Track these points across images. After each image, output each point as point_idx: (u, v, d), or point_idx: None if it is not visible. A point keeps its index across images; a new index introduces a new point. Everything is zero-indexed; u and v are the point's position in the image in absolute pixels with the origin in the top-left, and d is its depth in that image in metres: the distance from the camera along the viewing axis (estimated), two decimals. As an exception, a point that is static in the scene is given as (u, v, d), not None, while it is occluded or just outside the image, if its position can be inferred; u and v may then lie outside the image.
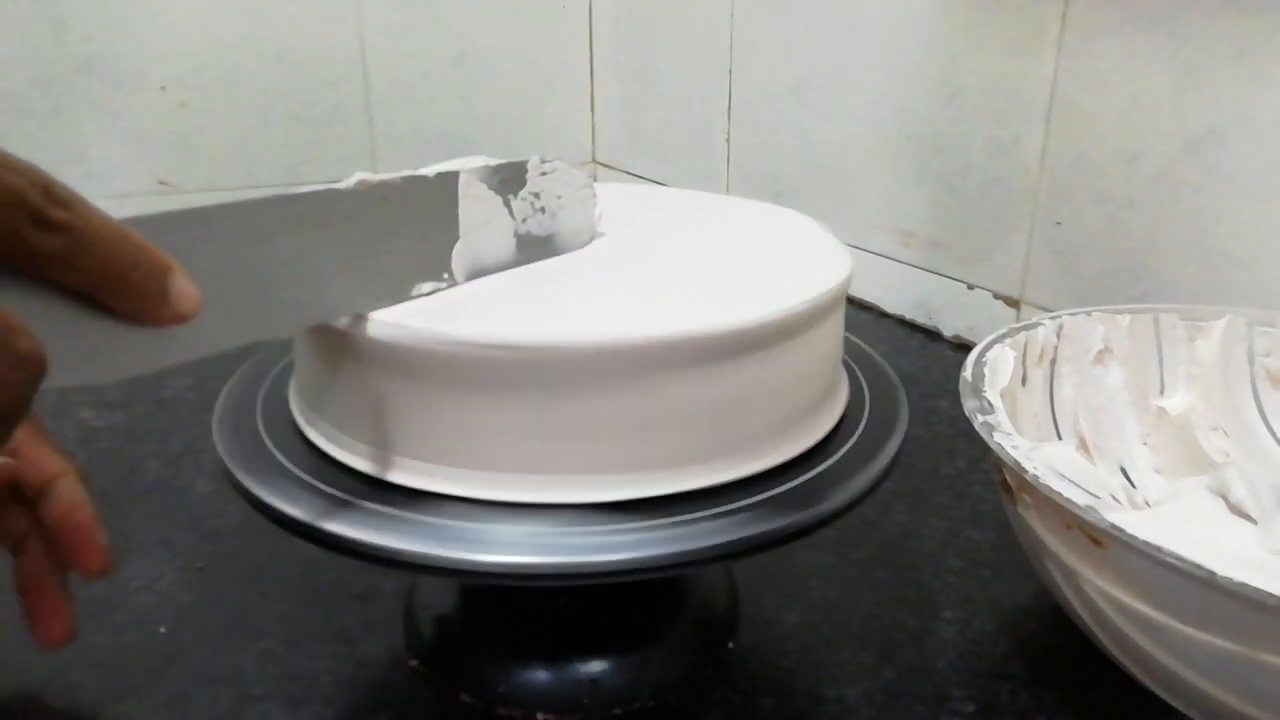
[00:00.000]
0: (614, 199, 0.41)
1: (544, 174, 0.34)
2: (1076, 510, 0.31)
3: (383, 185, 0.29)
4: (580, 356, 0.28)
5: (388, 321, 0.29)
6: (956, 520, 0.48)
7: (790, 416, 0.32)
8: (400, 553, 0.28)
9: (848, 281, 0.34)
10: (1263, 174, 0.52)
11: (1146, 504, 0.42)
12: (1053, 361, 0.45)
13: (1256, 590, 0.27)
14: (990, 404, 0.37)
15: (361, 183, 0.29)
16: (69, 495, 0.32)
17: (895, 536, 0.46)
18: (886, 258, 0.75)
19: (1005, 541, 0.45)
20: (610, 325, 0.29)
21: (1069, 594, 0.35)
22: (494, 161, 0.33)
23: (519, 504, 0.30)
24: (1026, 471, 0.33)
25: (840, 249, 0.36)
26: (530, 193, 0.34)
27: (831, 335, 0.35)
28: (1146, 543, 0.29)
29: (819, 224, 0.40)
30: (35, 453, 0.32)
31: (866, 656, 0.39)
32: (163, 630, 0.40)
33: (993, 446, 0.35)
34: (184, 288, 0.24)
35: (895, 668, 0.38)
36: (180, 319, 0.24)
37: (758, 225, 0.40)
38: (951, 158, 0.68)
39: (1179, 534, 0.29)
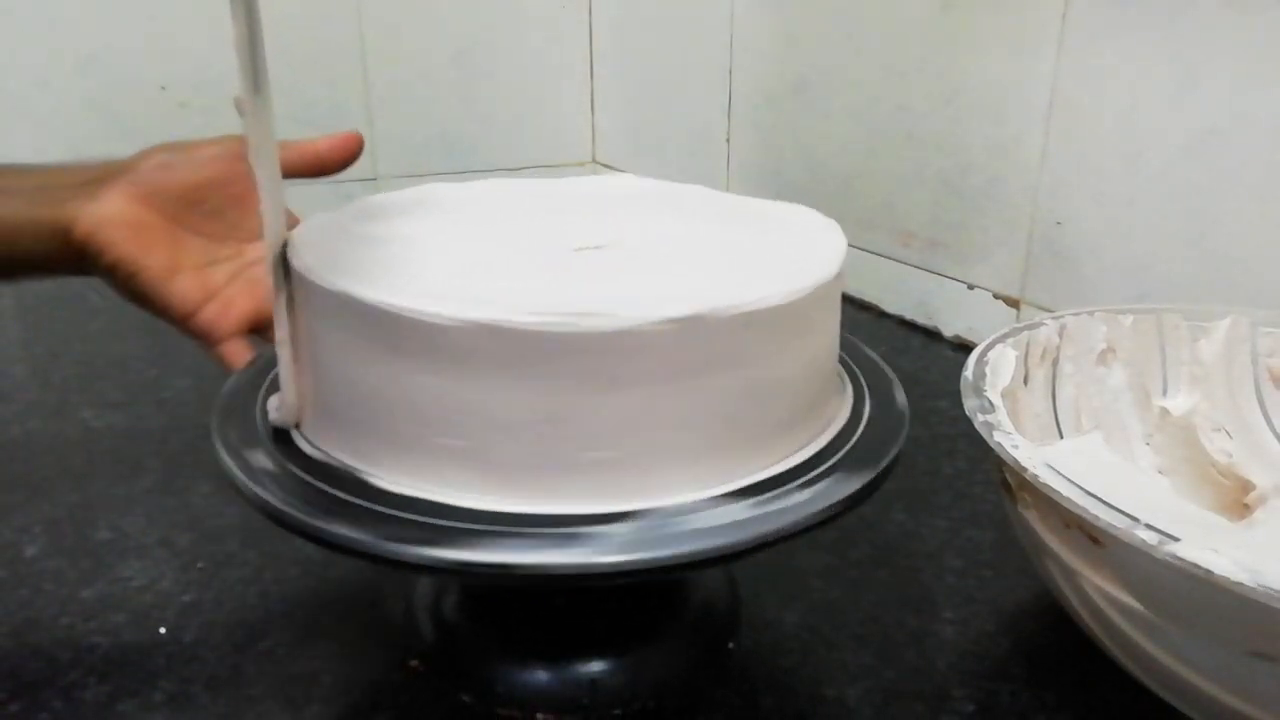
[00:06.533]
0: (617, 191, 0.41)
1: None
2: (1075, 509, 0.31)
3: None
4: (573, 345, 0.28)
5: (385, 303, 0.29)
6: (957, 520, 0.48)
7: (790, 416, 0.32)
8: (398, 552, 0.28)
9: (843, 273, 0.34)
10: (1263, 174, 0.52)
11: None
12: (1055, 361, 0.45)
13: (1255, 589, 0.27)
14: (991, 403, 0.37)
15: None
16: None
17: (895, 536, 0.46)
18: (886, 257, 0.74)
19: (1006, 541, 0.45)
20: (605, 320, 0.28)
21: (1069, 593, 0.35)
22: None
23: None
24: (1027, 471, 0.33)
25: (836, 240, 0.36)
26: None
27: (829, 331, 0.34)
28: (1144, 541, 0.29)
29: (815, 212, 0.39)
30: None
31: (867, 657, 0.38)
32: (162, 631, 0.40)
33: (993, 445, 0.35)
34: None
35: (895, 668, 0.38)
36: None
37: (753, 218, 0.39)
38: (952, 157, 0.68)
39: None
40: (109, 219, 0.40)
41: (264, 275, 0.42)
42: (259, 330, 0.43)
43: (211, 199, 0.42)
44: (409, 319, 0.28)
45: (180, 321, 0.42)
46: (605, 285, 0.31)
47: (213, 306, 0.42)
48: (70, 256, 0.41)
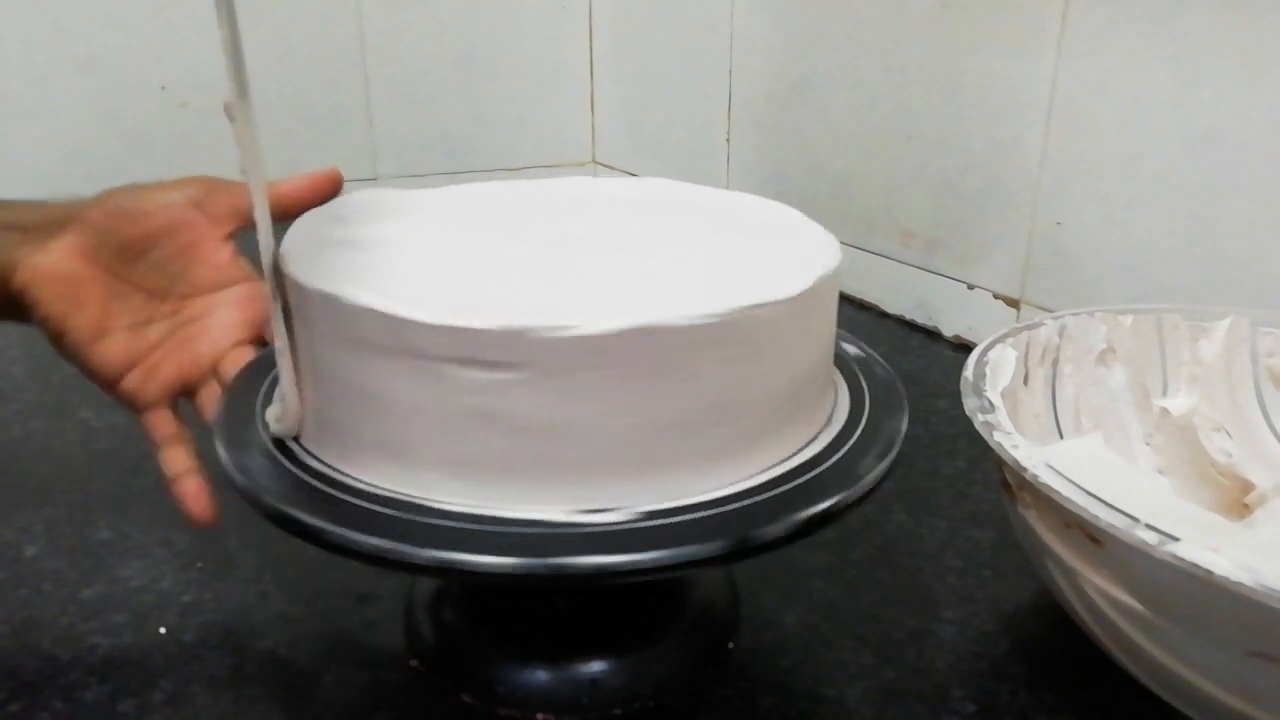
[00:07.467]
0: (605, 192, 0.41)
1: None
2: (1075, 509, 0.31)
3: None
4: (569, 345, 0.28)
5: (375, 308, 0.29)
6: (957, 520, 0.48)
7: (789, 415, 0.32)
8: (396, 552, 0.28)
9: (838, 270, 0.34)
10: (1264, 174, 0.52)
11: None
12: (1055, 361, 0.45)
13: (1255, 589, 0.27)
14: (991, 403, 0.37)
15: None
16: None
17: (895, 536, 0.46)
18: (886, 257, 0.75)
19: (1005, 541, 0.45)
20: (605, 317, 0.28)
21: (1069, 593, 0.35)
22: None
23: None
24: (1026, 471, 0.33)
25: (829, 239, 0.36)
26: None
27: (826, 329, 0.34)
28: (1144, 541, 0.29)
29: (801, 215, 0.39)
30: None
31: (866, 656, 0.39)
32: (163, 631, 0.40)
33: (993, 445, 0.35)
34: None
35: (895, 668, 0.38)
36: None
37: (745, 217, 0.39)
38: (951, 157, 0.68)
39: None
40: (44, 273, 0.38)
41: (198, 334, 0.41)
42: (189, 394, 0.41)
43: (159, 249, 0.41)
44: (402, 322, 0.28)
45: (104, 386, 0.41)
46: (584, 288, 0.31)
47: (136, 373, 0.40)
48: (8, 304, 0.39)
